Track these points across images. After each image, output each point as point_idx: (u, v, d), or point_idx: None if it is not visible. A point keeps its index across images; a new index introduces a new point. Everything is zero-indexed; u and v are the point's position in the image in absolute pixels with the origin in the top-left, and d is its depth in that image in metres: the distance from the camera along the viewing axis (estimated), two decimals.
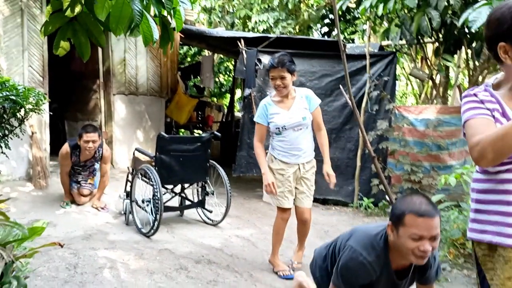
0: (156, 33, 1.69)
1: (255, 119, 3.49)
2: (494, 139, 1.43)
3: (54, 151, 5.95)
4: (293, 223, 3.62)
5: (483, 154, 1.47)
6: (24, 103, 2.53)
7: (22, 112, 2.62)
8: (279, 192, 3.37)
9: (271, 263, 3.54)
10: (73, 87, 6.74)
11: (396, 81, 10.64)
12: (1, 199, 1.29)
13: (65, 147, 4.71)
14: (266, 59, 5.92)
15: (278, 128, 3.36)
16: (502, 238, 1.56)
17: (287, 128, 3.34)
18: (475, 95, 1.64)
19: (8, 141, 2.68)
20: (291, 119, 3.33)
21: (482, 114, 1.57)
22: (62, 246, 3.00)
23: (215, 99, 15.64)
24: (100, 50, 6.14)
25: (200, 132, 10.15)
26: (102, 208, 4.83)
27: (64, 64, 6.61)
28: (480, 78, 5.14)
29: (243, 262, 3.68)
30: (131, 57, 6.91)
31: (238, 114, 11.15)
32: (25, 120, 2.70)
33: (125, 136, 6.90)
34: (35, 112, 2.63)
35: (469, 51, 5.13)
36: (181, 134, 10.14)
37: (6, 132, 2.61)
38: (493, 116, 1.57)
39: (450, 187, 4.64)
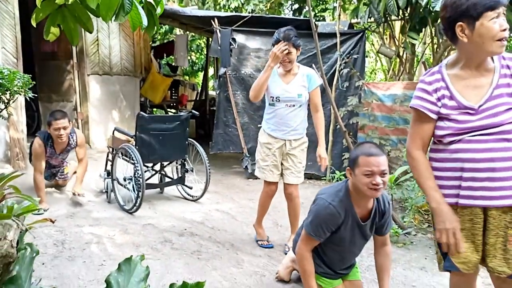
0: (145, 19, 1.82)
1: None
2: (416, 173, 1.90)
3: (29, 133, 5.97)
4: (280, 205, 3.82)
5: (411, 166, 1.94)
6: (10, 86, 2.60)
7: (8, 95, 2.68)
8: (264, 166, 3.44)
9: (255, 229, 3.71)
10: (45, 68, 6.67)
11: (366, 58, 10.92)
12: (15, 174, 1.41)
13: (37, 142, 4.30)
14: (240, 38, 6.04)
15: (272, 97, 3.35)
16: (457, 198, 1.81)
17: (280, 100, 3.33)
18: (427, 82, 1.87)
19: None
20: (286, 93, 3.31)
21: (425, 108, 1.85)
22: (53, 222, 3.14)
23: (187, 78, 15.61)
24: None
25: (174, 111, 10.20)
26: (79, 195, 4.44)
27: (35, 45, 6.54)
28: (445, 54, 5.41)
29: (224, 233, 3.89)
30: (104, 36, 6.89)
31: (212, 92, 11.24)
32: (10, 102, 2.76)
33: (100, 116, 6.94)
34: (20, 95, 2.70)
35: (434, 29, 5.39)
36: (155, 113, 10.17)
37: None
38: (441, 103, 1.81)
39: None
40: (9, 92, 2.58)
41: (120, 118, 7.26)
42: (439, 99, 1.82)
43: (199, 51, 15.48)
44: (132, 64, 7.48)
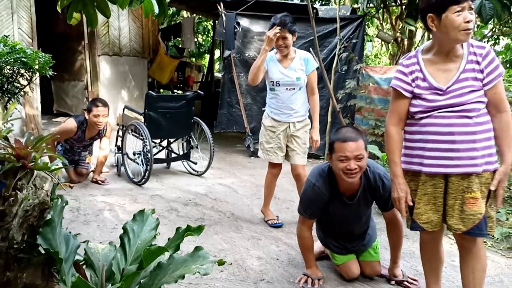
0: (157, 7, 2.09)
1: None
2: (387, 145, 2.19)
3: (43, 110, 6.29)
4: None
5: (386, 140, 2.22)
6: (32, 64, 2.89)
7: (30, 73, 2.96)
8: (269, 148, 3.56)
9: (263, 213, 3.78)
10: (58, 48, 6.96)
11: (370, 42, 11.05)
12: (52, 135, 1.70)
13: (72, 123, 4.42)
14: (244, 22, 6.28)
15: (272, 82, 3.46)
16: (421, 166, 2.10)
17: (280, 84, 3.44)
18: (404, 65, 2.14)
19: (19, 98, 3.04)
20: (286, 77, 3.42)
21: (401, 88, 2.12)
22: (71, 188, 3.47)
23: (193, 59, 15.82)
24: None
25: (180, 92, 10.49)
26: (103, 182, 4.64)
27: (49, 26, 6.82)
28: None
29: (225, 204, 4.21)
30: (114, 18, 7.15)
31: (217, 74, 11.50)
32: (33, 79, 3.05)
33: (110, 95, 7.24)
34: (42, 73, 2.98)
35: None
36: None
37: (17, 90, 2.96)
38: (414, 84, 2.09)
39: None
40: (32, 70, 2.87)
41: (129, 97, 7.57)
42: (413, 80, 2.10)
43: (206, 33, 15.67)
44: (140, 46, 7.75)
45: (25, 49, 2.91)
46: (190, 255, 1.79)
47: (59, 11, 2.25)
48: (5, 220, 1.58)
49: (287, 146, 3.58)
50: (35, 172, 1.66)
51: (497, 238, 3.41)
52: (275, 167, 3.64)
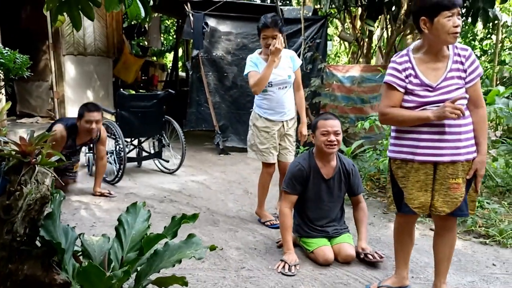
0: (143, 11, 2.22)
1: (247, 70, 3.50)
2: (398, 118, 2.28)
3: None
4: (250, 176, 4.30)
5: (387, 121, 2.40)
6: (10, 65, 2.91)
7: (2, 74, 2.98)
8: (263, 149, 3.56)
9: (258, 215, 3.75)
10: (22, 47, 6.81)
11: (330, 42, 11.41)
12: (52, 134, 1.78)
13: (60, 129, 3.96)
14: (212, 22, 6.42)
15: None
16: (413, 156, 2.29)
17: (273, 84, 3.46)
18: (397, 63, 2.32)
19: None
20: (278, 76, 3.45)
21: (395, 83, 2.29)
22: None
23: (155, 58, 15.74)
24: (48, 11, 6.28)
25: (143, 91, 10.45)
26: (110, 194, 4.29)
27: (12, 24, 6.66)
28: (398, 39, 5.98)
29: (200, 200, 4.35)
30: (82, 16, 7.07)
31: (181, 73, 11.53)
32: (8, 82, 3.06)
33: (76, 96, 7.18)
34: (19, 74, 3.00)
35: (388, 17, 5.93)
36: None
37: None
38: (408, 80, 2.26)
39: (372, 134, 5.55)
40: (9, 71, 2.89)
41: (95, 97, 7.51)
42: (406, 77, 2.29)
43: (167, 32, 15.63)
44: (105, 45, 7.71)
45: (2, 50, 2.93)
46: (184, 242, 1.95)
47: (45, 13, 2.31)
48: (11, 213, 1.67)
49: (279, 144, 3.63)
50: (37, 168, 1.75)
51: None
52: (270, 167, 3.65)
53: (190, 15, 6.32)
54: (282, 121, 3.57)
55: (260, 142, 3.59)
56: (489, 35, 11.03)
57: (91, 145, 4.50)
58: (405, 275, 2.57)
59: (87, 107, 4.07)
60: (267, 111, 3.55)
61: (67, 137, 4.03)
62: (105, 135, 4.38)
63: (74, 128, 4.08)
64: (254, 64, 3.49)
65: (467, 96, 2.25)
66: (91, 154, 4.95)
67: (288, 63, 3.54)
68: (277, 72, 3.45)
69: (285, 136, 3.62)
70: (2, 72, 2.99)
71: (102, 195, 4.26)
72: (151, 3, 2.43)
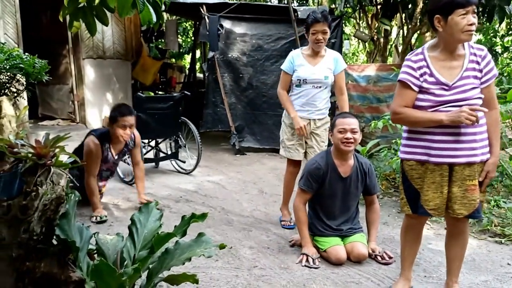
0: (155, 16, 2.27)
1: (282, 67, 3.56)
2: (410, 118, 2.26)
3: (29, 114, 6.34)
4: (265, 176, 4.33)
5: (399, 121, 2.37)
6: (29, 69, 3.02)
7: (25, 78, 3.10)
8: (290, 145, 3.58)
9: (281, 211, 3.79)
10: (43, 52, 7.01)
11: (347, 41, 11.36)
12: (68, 135, 1.84)
13: (92, 141, 3.64)
14: (227, 24, 6.48)
15: (300, 79, 3.46)
16: (428, 157, 2.27)
17: (308, 82, 3.44)
18: (412, 61, 2.29)
19: (15, 102, 3.18)
20: (314, 75, 3.43)
21: (409, 82, 2.26)
22: None
23: (173, 60, 15.91)
24: (68, 16, 6.44)
25: (162, 93, 10.58)
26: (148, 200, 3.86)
27: (34, 31, 6.86)
28: (414, 37, 5.94)
29: (215, 199, 4.40)
30: (97, 22, 7.22)
31: (199, 75, 11.63)
32: (29, 85, 3.18)
33: (95, 98, 7.34)
34: (39, 79, 3.10)
35: (404, 16, 5.89)
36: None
37: (15, 95, 3.09)
38: (422, 79, 2.24)
39: (388, 133, 5.51)
40: (29, 75, 3.00)
41: (114, 100, 7.65)
42: (421, 75, 2.26)
43: (185, 34, 15.78)
44: (123, 48, 7.85)
45: (22, 55, 3.04)
46: (195, 241, 1.99)
47: (61, 20, 2.40)
48: (27, 213, 1.75)
49: (306, 143, 3.60)
50: (52, 169, 1.82)
51: (470, 222, 3.69)
52: (295, 166, 3.66)
53: (206, 17, 6.40)
54: (309, 119, 3.52)
55: (287, 138, 3.62)
56: (510, 32, 10.81)
57: (128, 154, 4.15)
58: (410, 276, 2.58)
59: (120, 111, 3.71)
60: (296, 107, 3.52)
61: (101, 145, 3.73)
62: (139, 140, 4.12)
63: (106, 136, 3.79)
64: (290, 63, 3.51)
65: (482, 96, 2.22)
66: None
67: (329, 64, 3.48)
68: (313, 71, 3.44)
69: (312, 134, 3.56)
70: (23, 77, 3.10)
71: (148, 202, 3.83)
72: (163, 7, 2.48)
